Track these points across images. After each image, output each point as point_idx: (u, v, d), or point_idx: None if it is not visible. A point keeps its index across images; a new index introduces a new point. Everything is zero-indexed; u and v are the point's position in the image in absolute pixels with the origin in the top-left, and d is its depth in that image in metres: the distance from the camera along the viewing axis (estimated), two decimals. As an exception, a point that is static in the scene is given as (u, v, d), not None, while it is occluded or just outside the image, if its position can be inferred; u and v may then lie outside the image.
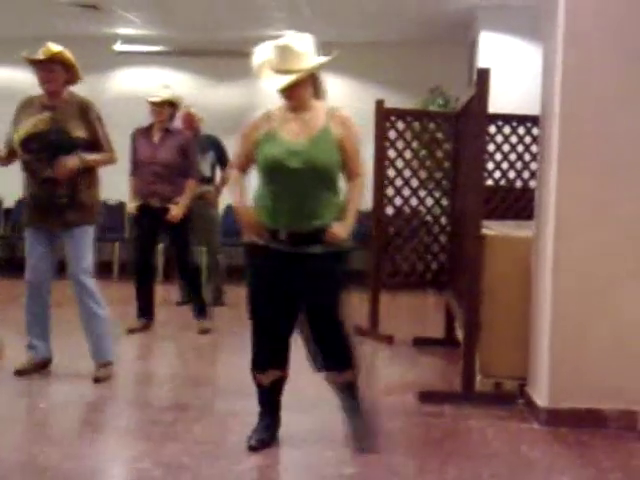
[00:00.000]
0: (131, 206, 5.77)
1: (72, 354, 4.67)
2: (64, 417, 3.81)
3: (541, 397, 3.75)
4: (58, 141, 4.24)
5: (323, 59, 3.22)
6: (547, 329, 3.72)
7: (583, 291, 3.69)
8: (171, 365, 5.13)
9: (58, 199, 4.26)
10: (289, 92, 3.17)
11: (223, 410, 3.89)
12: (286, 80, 3.14)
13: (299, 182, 3.15)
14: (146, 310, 5.81)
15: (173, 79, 9.15)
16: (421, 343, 5.46)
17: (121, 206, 9.09)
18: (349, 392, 3.35)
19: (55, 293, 4.47)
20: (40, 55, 4.22)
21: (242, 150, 3.31)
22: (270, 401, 3.38)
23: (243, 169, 3.33)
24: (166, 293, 7.07)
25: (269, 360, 3.33)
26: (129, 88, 9.08)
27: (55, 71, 4.23)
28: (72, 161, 4.22)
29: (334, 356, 3.27)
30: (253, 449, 3.23)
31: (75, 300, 4.36)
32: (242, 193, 3.30)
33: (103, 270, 8.73)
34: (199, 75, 9.13)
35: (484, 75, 4.06)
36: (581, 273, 3.68)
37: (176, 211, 5.61)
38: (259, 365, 3.34)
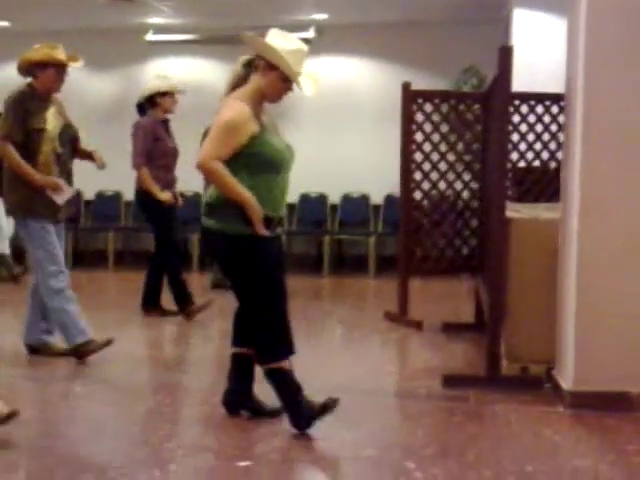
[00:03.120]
0: (168, 195, 5.72)
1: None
2: (97, 400, 3.88)
3: (566, 380, 3.69)
4: (75, 134, 4.54)
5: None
6: (573, 311, 3.65)
7: (609, 272, 3.61)
8: (204, 349, 5.18)
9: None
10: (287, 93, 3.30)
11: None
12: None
13: (288, 172, 3.31)
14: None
15: (204, 67, 9.23)
16: (450, 329, 5.41)
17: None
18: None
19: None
20: (72, 59, 4.43)
21: (231, 141, 3.13)
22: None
23: (223, 161, 3.14)
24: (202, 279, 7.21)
25: (292, 343, 3.31)
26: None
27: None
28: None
29: None
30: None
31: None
32: (241, 186, 3.14)
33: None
34: (230, 63, 9.09)
35: (506, 54, 3.98)
36: (607, 254, 3.60)
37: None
38: (289, 350, 3.29)
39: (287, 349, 3.28)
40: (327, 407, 3.21)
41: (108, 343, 4.40)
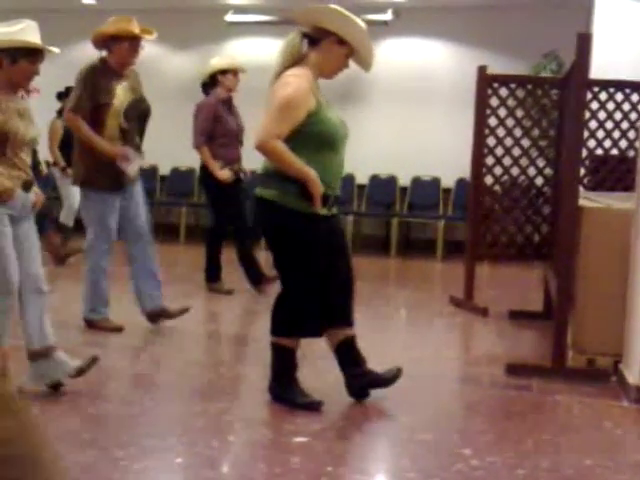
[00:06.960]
0: (227, 173, 5.79)
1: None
2: (160, 369, 3.98)
3: (633, 374, 3.60)
4: (146, 109, 4.55)
5: None
6: (642, 304, 3.57)
7: (683, 266, 3.50)
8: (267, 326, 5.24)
9: None
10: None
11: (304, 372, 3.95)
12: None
13: (344, 148, 3.26)
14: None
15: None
16: (517, 316, 5.34)
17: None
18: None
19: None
20: (145, 32, 4.45)
21: (290, 119, 3.05)
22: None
23: (282, 139, 3.07)
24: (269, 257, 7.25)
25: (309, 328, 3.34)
26: (241, 59, 9.23)
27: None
28: None
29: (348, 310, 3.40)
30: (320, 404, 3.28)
31: (132, 254, 4.59)
32: (302, 162, 3.09)
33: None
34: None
35: (584, 40, 3.89)
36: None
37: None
38: (302, 333, 3.34)
39: (300, 332, 3.31)
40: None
41: (119, 329, 4.53)
